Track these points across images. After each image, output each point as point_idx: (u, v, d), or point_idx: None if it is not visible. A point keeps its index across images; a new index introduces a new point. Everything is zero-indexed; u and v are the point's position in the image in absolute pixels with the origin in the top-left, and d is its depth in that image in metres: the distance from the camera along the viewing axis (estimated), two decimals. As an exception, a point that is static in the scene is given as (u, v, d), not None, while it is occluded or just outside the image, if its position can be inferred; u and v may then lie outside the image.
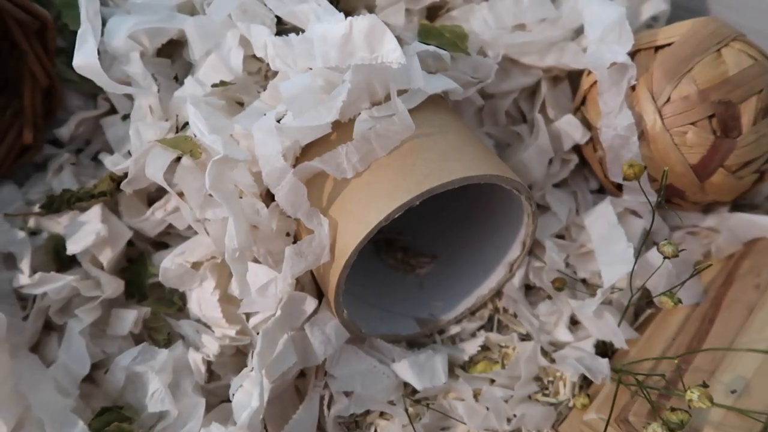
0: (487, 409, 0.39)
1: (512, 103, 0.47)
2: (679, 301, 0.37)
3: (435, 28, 0.44)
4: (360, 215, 0.34)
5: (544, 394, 0.40)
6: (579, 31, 0.45)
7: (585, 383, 0.40)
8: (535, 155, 0.45)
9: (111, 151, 0.44)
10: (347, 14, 0.36)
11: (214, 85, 0.39)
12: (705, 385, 0.31)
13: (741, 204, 0.45)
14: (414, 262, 0.47)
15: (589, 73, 0.43)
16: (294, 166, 0.36)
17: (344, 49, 0.34)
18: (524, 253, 0.42)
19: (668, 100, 0.39)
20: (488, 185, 0.36)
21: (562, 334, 0.42)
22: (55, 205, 0.42)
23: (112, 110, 0.46)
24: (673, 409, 0.31)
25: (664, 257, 0.35)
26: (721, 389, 0.35)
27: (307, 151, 0.37)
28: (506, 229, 0.42)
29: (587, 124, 0.44)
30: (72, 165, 0.45)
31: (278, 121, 0.35)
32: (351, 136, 0.35)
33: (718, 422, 0.34)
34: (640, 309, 0.44)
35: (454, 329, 0.43)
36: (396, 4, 0.44)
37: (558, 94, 0.47)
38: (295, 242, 0.36)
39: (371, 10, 0.45)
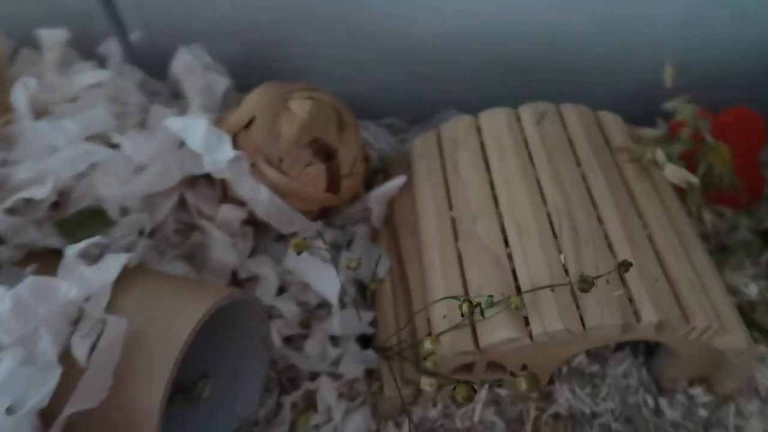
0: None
1: (173, 222, 0.53)
2: (382, 280, 0.49)
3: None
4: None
5: (350, 397, 0.51)
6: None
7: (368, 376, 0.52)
8: (221, 249, 0.52)
9: None
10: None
11: None
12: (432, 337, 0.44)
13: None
14: (193, 393, 0.52)
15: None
16: None
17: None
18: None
19: (281, 160, 0.50)
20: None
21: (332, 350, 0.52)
22: None
23: None
24: (425, 358, 0.43)
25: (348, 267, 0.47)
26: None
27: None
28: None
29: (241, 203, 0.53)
30: None
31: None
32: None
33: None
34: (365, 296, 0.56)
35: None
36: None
37: (201, 194, 0.54)
38: None
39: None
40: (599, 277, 0.42)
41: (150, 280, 0.44)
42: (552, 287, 0.43)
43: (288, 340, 0.54)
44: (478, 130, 0.56)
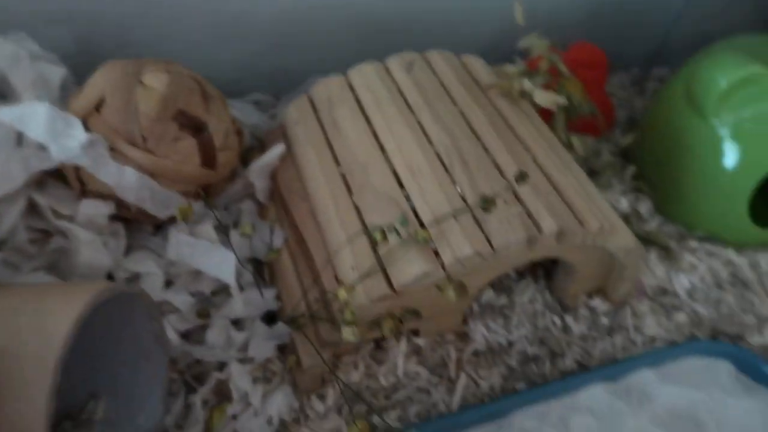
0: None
1: (25, 231, 0.46)
2: (278, 249, 0.47)
3: None
4: None
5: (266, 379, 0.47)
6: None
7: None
8: (89, 250, 0.46)
9: None
10: None
11: None
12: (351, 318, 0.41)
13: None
14: (83, 416, 0.45)
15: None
16: None
17: None
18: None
19: (145, 139, 0.45)
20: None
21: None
22: None
23: None
24: (341, 312, 0.41)
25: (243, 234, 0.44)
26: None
27: None
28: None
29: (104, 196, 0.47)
30: None
31: None
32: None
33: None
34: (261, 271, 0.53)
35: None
36: None
37: (53, 193, 0.47)
38: None
39: None
40: (495, 198, 0.42)
41: (6, 297, 0.38)
42: (454, 216, 0.43)
43: (186, 336, 0.49)
44: (351, 87, 0.54)
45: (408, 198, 0.46)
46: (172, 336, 0.46)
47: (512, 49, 0.61)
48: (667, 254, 0.62)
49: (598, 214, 0.46)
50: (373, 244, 0.43)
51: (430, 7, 0.67)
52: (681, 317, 0.57)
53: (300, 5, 0.61)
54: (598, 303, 0.57)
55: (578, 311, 0.56)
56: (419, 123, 0.50)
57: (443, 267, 0.42)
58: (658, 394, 0.51)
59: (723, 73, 0.55)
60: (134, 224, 0.51)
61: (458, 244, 0.42)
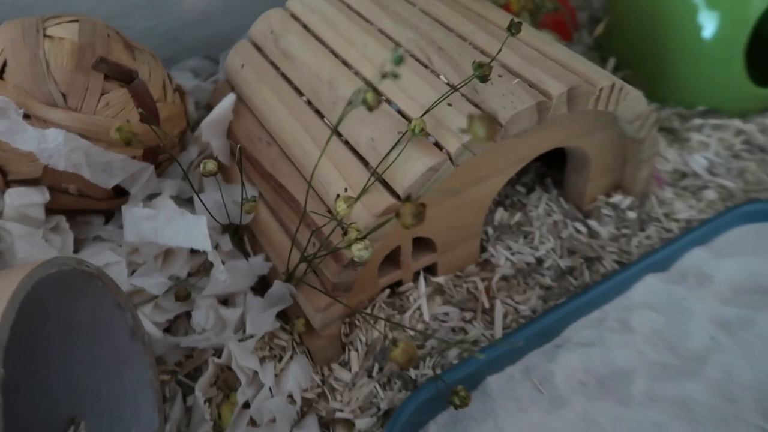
0: None
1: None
2: (254, 197, 0.39)
3: None
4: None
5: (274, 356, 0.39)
6: None
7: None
8: (27, 246, 0.37)
9: None
10: None
11: None
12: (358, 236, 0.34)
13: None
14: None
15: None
16: None
17: None
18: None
19: (65, 96, 0.37)
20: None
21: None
22: None
23: None
24: (344, 234, 0.34)
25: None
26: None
27: None
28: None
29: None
30: None
31: None
32: None
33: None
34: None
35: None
36: None
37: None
38: None
39: None
40: (489, 65, 0.36)
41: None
42: (447, 101, 0.36)
43: (168, 328, 0.40)
44: (293, 16, 0.48)
45: (389, 101, 0.39)
46: (151, 329, 0.38)
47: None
48: (675, 136, 0.56)
49: (604, 74, 0.40)
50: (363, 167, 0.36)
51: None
52: (710, 194, 0.51)
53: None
54: (619, 199, 0.51)
55: (600, 212, 0.50)
56: (379, 30, 0.44)
57: (450, 158, 0.35)
58: (717, 271, 0.44)
59: None
60: (80, 216, 0.42)
61: (459, 127, 0.35)
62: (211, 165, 0.34)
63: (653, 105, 0.59)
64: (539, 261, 0.47)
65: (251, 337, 0.39)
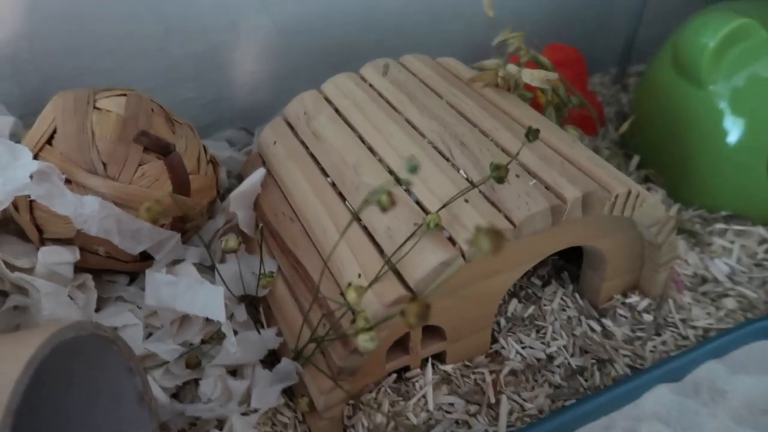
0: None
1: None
2: (272, 273, 0.40)
3: None
4: None
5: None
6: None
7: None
8: (53, 304, 0.39)
9: None
10: None
11: None
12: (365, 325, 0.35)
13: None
14: None
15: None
16: None
17: None
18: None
19: (105, 165, 0.40)
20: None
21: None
22: None
23: None
24: (353, 321, 0.34)
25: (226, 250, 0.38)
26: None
27: None
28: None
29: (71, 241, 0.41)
30: None
31: None
32: None
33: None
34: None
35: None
36: None
37: (11, 245, 0.41)
38: None
39: None
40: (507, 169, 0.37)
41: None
42: (464, 197, 0.37)
43: (176, 394, 0.41)
44: (326, 99, 0.51)
45: (409, 191, 0.40)
46: (159, 394, 0.39)
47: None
48: (696, 240, 0.56)
49: (622, 180, 0.41)
50: (374, 243, 0.37)
51: (395, 26, 0.65)
52: (730, 303, 0.51)
53: (275, 33, 0.59)
54: (635, 300, 0.50)
55: (615, 312, 0.50)
56: (406, 119, 0.46)
57: (462, 254, 0.36)
58: (732, 386, 0.43)
59: (708, 31, 0.52)
60: (106, 275, 0.44)
61: (474, 223, 0.36)
62: (232, 242, 0.36)
63: (675, 206, 0.59)
64: (550, 358, 0.47)
65: (255, 411, 0.40)
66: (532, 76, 0.48)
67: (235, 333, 0.41)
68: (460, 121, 0.45)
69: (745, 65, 0.53)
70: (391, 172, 0.42)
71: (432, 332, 0.43)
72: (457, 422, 0.42)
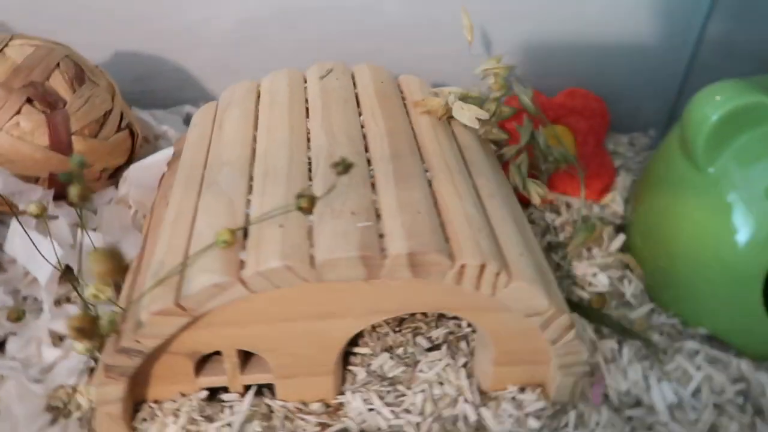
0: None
1: None
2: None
3: None
4: None
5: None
6: None
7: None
8: None
9: None
10: None
11: None
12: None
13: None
14: None
15: None
16: None
17: None
18: None
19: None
20: None
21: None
22: None
23: None
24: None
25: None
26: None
27: None
28: None
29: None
30: None
31: None
32: None
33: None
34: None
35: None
36: None
37: None
38: None
39: None
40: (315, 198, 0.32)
41: None
42: (280, 223, 0.33)
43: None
44: (258, 90, 0.49)
45: (249, 203, 0.37)
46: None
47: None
48: (651, 352, 0.46)
49: (487, 252, 0.34)
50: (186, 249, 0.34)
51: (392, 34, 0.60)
52: (651, 441, 0.41)
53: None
54: (529, 397, 0.42)
55: (500, 404, 0.42)
56: (307, 128, 0.42)
57: (241, 280, 0.32)
58: None
59: (714, 103, 0.42)
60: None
61: (268, 253, 0.32)
62: (32, 207, 0.35)
63: (646, 306, 0.49)
64: (391, 429, 0.40)
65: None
66: (461, 112, 0.42)
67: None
68: (352, 143, 0.40)
69: (757, 155, 0.42)
70: (251, 178, 0.39)
71: (260, 360, 0.39)
72: (249, 466, 0.38)
